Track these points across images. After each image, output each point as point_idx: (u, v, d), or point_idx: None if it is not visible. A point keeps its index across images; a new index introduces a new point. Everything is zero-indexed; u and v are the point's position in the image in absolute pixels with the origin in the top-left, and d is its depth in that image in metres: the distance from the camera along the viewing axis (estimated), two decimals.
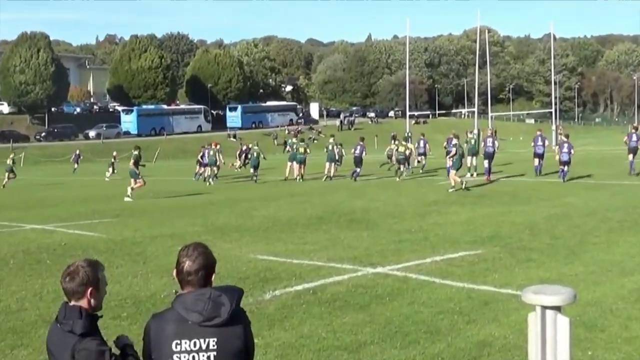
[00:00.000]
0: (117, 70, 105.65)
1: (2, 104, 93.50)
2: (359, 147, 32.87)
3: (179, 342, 3.66)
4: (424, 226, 16.65)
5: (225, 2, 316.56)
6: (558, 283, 9.30)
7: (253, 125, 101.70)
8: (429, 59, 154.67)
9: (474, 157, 32.48)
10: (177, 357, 3.66)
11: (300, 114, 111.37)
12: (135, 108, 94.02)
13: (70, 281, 3.84)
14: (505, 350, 7.72)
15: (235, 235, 16.10)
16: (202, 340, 3.66)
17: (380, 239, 14.87)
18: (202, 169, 37.13)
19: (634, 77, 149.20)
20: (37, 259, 13.61)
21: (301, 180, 33.29)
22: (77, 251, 14.24)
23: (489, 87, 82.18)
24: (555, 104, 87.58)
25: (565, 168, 27.48)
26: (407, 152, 33.49)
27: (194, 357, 3.66)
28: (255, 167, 34.48)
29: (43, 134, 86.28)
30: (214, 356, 3.66)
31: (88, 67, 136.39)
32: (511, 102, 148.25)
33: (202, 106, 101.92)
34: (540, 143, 30.52)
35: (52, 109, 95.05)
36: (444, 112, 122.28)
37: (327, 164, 33.92)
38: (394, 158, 33.90)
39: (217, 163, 35.16)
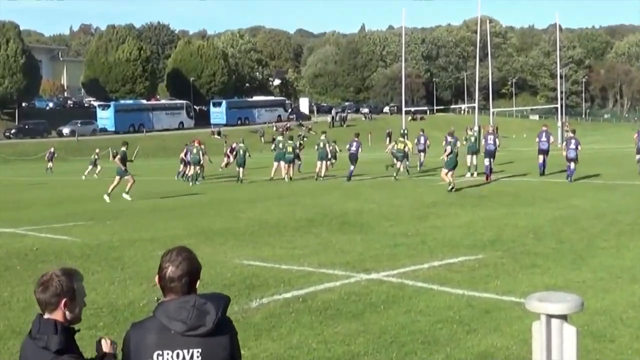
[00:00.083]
0: (92, 62, 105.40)
1: None
2: (354, 144, 32.93)
3: (160, 352, 3.64)
4: (422, 229, 16.66)
5: None
6: (564, 290, 9.32)
7: (239, 122, 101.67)
8: (426, 51, 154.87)
9: (474, 156, 32.58)
10: None
11: (290, 110, 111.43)
12: (112, 103, 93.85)
13: (43, 291, 3.79)
14: None
15: (220, 239, 16.08)
16: (185, 351, 3.64)
17: (375, 243, 14.87)
18: (187, 167, 37.12)
19: None
20: (6, 265, 13.56)
21: (289, 180, 33.31)
22: (50, 257, 14.20)
23: (490, 81, 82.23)
24: (561, 99, 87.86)
25: (572, 165, 27.57)
26: (407, 149, 33.57)
27: None
28: (241, 165, 34.47)
29: (13, 130, 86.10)
30: None
31: (61, 59, 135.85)
32: (514, 97, 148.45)
33: (184, 101, 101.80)
34: (544, 139, 30.62)
35: (23, 104, 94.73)
36: (442, 107, 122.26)
37: (319, 162, 33.97)
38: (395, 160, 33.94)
39: (201, 162, 35.15)
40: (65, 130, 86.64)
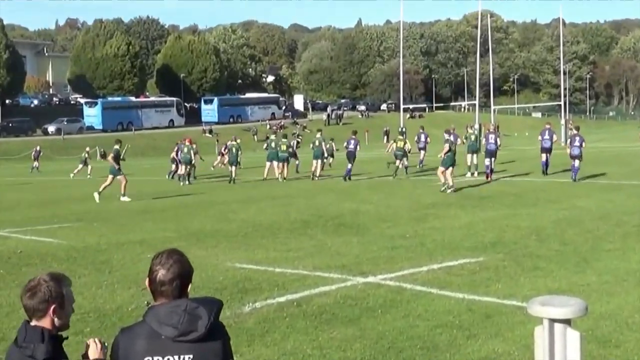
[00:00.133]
0: (79, 58, 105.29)
1: None
2: (352, 141, 32.96)
3: (150, 359, 3.64)
4: (420, 231, 16.68)
5: None
6: (568, 294, 9.35)
7: (231, 120, 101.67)
8: (425, 46, 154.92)
9: (475, 155, 32.60)
10: None
11: (284, 107, 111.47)
12: (99, 100, 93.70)
13: (30, 297, 3.77)
14: None
15: (211, 241, 16.07)
16: (176, 357, 3.64)
17: (372, 245, 14.88)
18: (179, 167, 37.06)
19: None
20: None
21: (284, 180, 33.30)
22: (35, 260, 14.17)
23: (492, 78, 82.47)
24: (565, 96, 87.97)
25: (577, 163, 27.61)
26: (407, 147, 33.61)
27: None
28: (233, 164, 34.45)
29: None
30: None
31: (47, 54, 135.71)
32: (516, 94, 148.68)
33: (174, 98, 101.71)
34: (547, 137, 30.63)
35: (7, 101, 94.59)
36: (441, 105, 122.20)
37: (314, 161, 33.98)
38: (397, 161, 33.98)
39: (193, 162, 35.14)
40: (51, 128, 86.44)
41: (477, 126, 41.53)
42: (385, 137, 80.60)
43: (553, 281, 11.37)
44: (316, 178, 33.18)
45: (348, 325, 9.29)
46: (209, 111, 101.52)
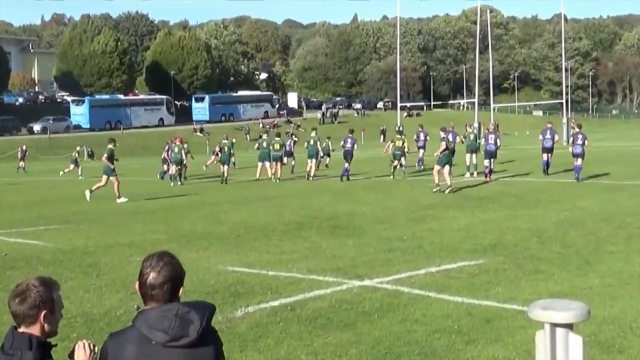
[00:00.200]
0: (65, 54, 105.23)
1: None
2: (349, 140, 33.01)
3: None
4: (418, 233, 16.68)
5: None
6: (570, 297, 9.36)
7: (223, 118, 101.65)
8: (422, 42, 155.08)
9: (474, 154, 32.58)
10: None
11: (277, 105, 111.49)
12: (87, 98, 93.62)
13: (20, 303, 3.75)
14: None
15: (203, 243, 16.06)
16: None
17: (368, 248, 14.88)
18: (170, 166, 37.00)
19: None
20: None
21: (277, 180, 33.29)
22: (19, 263, 14.15)
23: (491, 75, 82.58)
24: (567, 93, 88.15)
25: (579, 161, 27.64)
26: (405, 146, 33.64)
27: None
28: (225, 163, 34.44)
29: None
30: None
31: (32, 50, 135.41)
32: (516, 92, 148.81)
33: (164, 96, 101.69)
34: (549, 136, 30.61)
35: None
36: (439, 103, 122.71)
37: (309, 161, 33.97)
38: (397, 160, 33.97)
39: (184, 162, 35.12)
40: (36, 127, 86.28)
41: (476, 125, 41.58)
42: (382, 137, 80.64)
43: (555, 284, 11.38)
44: (311, 178, 33.19)
45: (343, 330, 9.30)
46: (200, 109, 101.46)
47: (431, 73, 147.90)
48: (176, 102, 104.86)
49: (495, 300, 10.48)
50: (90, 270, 13.40)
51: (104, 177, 26.94)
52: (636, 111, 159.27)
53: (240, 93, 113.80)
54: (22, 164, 52.04)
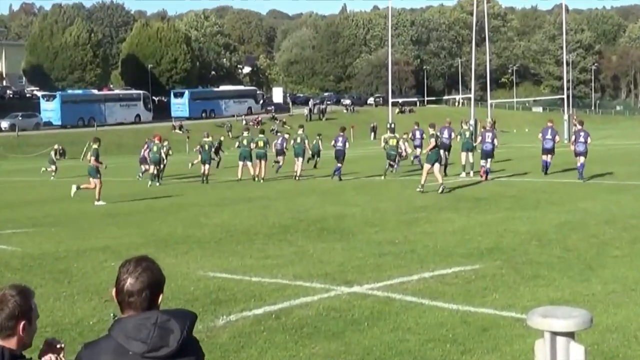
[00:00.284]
0: (35, 47, 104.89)
1: None
2: (340, 139, 33.06)
3: None
4: (410, 236, 16.70)
5: None
6: (571, 304, 9.38)
7: (203, 115, 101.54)
8: (416, 34, 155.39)
9: (470, 153, 32.54)
10: None
11: (261, 101, 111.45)
12: (58, 93, 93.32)
13: None
14: None
15: (182, 247, 16.04)
16: None
17: (358, 252, 14.88)
18: (149, 166, 36.91)
19: None
20: None
21: (261, 180, 33.24)
22: None
23: (488, 69, 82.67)
24: (568, 89, 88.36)
25: (582, 160, 27.68)
26: (402, 146, 33.66)
27: None
28: (206, 162, 34.40)
29: None
30: None
31: None
32: (515, 87, 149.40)
33: (141, 91, 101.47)
34: (549, 137, 30.58)
35: None
36: (434, 98, 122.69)
37: (296, 160, 33.96)
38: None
39: (164, 162, 35.07)
40: (4, 124, 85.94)
41: (472, 121, 41.62)
42: (373, 134, 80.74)
43: (555, 291, 11.41)
44: (298, 178, 33.17)
45: (331, 340, 9.29)
46: (180, 105, 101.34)
47: (425, 67, 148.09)
48: (154, 97, 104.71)
49: (493, 308, 10.49)
50: (61, 277, 13.35)
51: (91, 179, 26.77)
52: None
53: (222, 88, 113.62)
54: None
